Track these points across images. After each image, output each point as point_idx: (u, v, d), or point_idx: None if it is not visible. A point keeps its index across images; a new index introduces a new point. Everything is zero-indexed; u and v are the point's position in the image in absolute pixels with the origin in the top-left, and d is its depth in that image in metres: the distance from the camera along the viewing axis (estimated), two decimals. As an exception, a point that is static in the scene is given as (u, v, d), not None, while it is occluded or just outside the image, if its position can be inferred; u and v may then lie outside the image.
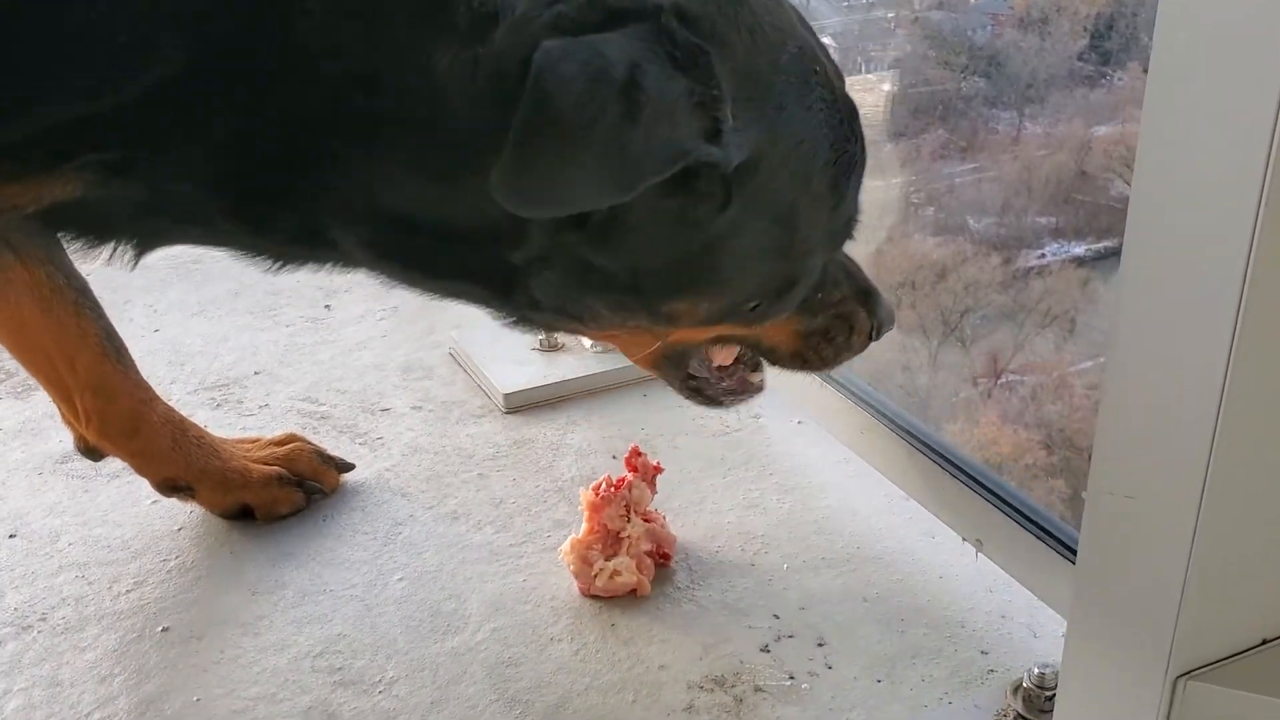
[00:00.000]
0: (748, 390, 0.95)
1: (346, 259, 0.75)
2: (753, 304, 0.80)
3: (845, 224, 0.82)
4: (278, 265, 0.77)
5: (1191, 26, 0.59)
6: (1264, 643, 0.73)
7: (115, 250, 0.78)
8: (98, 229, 0.76)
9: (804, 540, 1.12)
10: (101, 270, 1.76)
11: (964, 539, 0.99)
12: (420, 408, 1.37)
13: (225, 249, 0.77)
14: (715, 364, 0.93)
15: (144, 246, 0.79)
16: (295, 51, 0.63)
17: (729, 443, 1.30)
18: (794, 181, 0.73)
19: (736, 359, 0.93)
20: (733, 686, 0.94)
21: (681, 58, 0.62)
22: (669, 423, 1.33)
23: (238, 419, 1.36)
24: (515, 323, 0.81)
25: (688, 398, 0.94)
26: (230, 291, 1.68)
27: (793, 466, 1.25)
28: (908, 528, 1.13)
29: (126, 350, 1.10)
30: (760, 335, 0.88)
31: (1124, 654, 0.73)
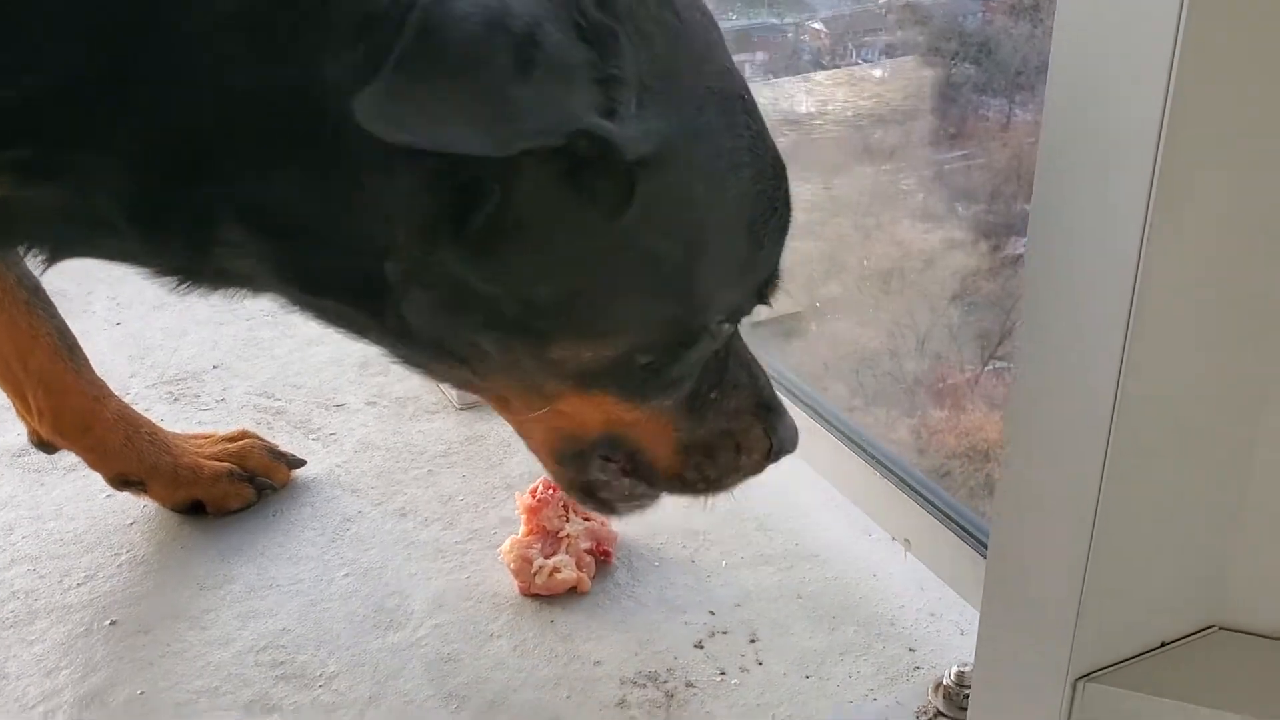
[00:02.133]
0: (645, 499, 0.87)
1: (246, 280, 0.72)
2: (645, 358, 0.73)
3: (759, 283, 0.75)
4: (186, 285, 0.73)
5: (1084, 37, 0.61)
6: (1162, 645, 0.76)
7: (27, 253, 0.77)
8: (11, 231, 0.73)
9: (744, 537, 1.15)
10: (65, 264, 1.77)
11: (894, 538, 1.01)
12: (375, 403, 1.39)
13: (138, 266, 0.74)
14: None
15: (56, 254, 0.78)
16: (181, 53, 0.62)
17: (678, 440, 1.32)
18: (706, 196, 0.67)
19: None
20: (664, 682, 0.97)
21: (588, 30, 0.59)
22: (620, 420, 1.35)
23: (194, 413, 1.38)
24: (404, 363, 0.77)
25: (580, 500, 0.87)
26: (193, 285, 1.69)
27: (738, 464, 1.27)
28: (846, 526, 1.15)
29: (79, 348, 1.11)
30: (642, 439, 0.80)
31: (1028, 655, 0.76)
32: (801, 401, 1.13)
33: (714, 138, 0.67)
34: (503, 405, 0.81)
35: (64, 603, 1.07)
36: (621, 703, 0.95)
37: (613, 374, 0.73)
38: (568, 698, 0.95)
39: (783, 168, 0.72)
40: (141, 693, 0.97)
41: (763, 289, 0.76)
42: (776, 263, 0.75)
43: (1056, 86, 0.64)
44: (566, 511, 1.09)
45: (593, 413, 0.78)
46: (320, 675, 0.99)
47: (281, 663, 1.00)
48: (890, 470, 1.01)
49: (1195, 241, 0.62)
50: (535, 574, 1.05)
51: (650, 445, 0.81)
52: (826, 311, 1.63)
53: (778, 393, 0.84)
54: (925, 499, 0.98)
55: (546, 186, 0.62)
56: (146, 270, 0.73)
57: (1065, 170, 0.65)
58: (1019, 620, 0.76)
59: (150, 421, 1.16)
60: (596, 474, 0.83)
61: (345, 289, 0.70)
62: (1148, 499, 0.70)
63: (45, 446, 1.12)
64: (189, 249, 0.70)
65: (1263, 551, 0.74)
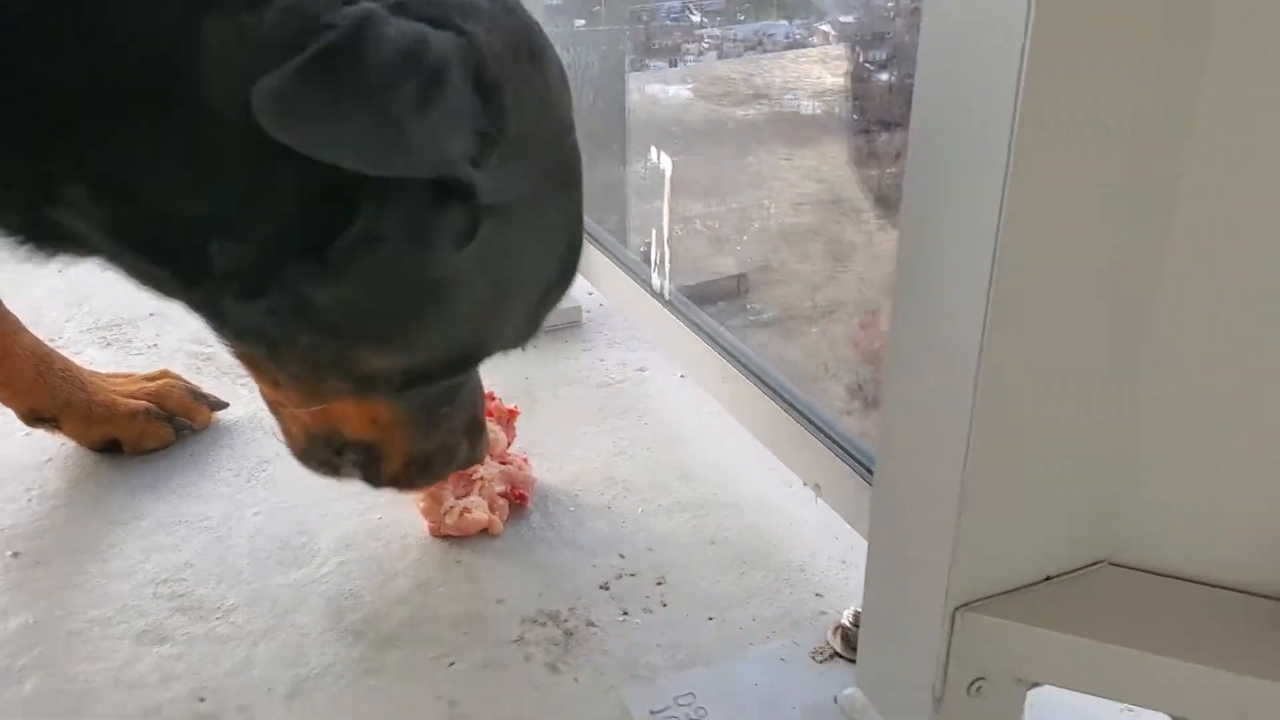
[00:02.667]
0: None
1: (81, 242, 0.72)
2: (427, 374, 0.80)
3: (524, 334, 0.84)
4: (26, 246, 0.73)
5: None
6: (1047, 579, 0.74)
7: None
8: None
9: (664, 486, 1.13)
10: (13, 213, 1.76)
11: (805, 483, 1.00)
12: (307, 352, 1.37)
13: None
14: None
15: None
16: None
17: (610, 394, 1.30)
18: (526, 254, 0.76)
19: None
20: (565, 621, 0.95)
21: (480, 83, 0.64)
22: (554, 373, 1.34)
23: (125, 357, 1.36)
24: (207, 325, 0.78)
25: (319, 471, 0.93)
26: (139, 237, 1.68)
27: (668, 418, 1.25)
28: (767, 477, 1.13)
29: None
30: (386, 446, 0.88)
31: (909, 584, 0.74)
32: (727, 354, 1.11)
33: (550, 204, 0.76)
34: (274, 390, 0.85)
35: (-32, 535, 1.06)
36: (519, 640, 0.93)
37: (392, 384, 0.80)
38: (465, 634, 0.94)
39: (580, 249, 0.82)
40: (34, 621, 0.95)
41: (525, 338, 0.85)
42: (542, 323, 0.85)
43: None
44: None
45: (357, 417, 0.85)
46: (218, 608, 0.97)
47: (180, 595, 0.98)
48: (801, 414, 1.00)
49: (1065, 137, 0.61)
50: (445, 514, 1.04)
51: (389, 449, 0.88)
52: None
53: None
54: (836, 443, 0.96)
55: (414, 208, 0.66)
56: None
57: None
58: (901, 550, 0.75)
59: (65, 358, 1.15)
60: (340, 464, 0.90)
61: (171, 256, 0.70)
62: (1024, 429, 0.68)
63: (-44, 381, 1.11)
64: (29, 206, 0.70)
65: (1154, 487, 0.73)
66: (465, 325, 0.78)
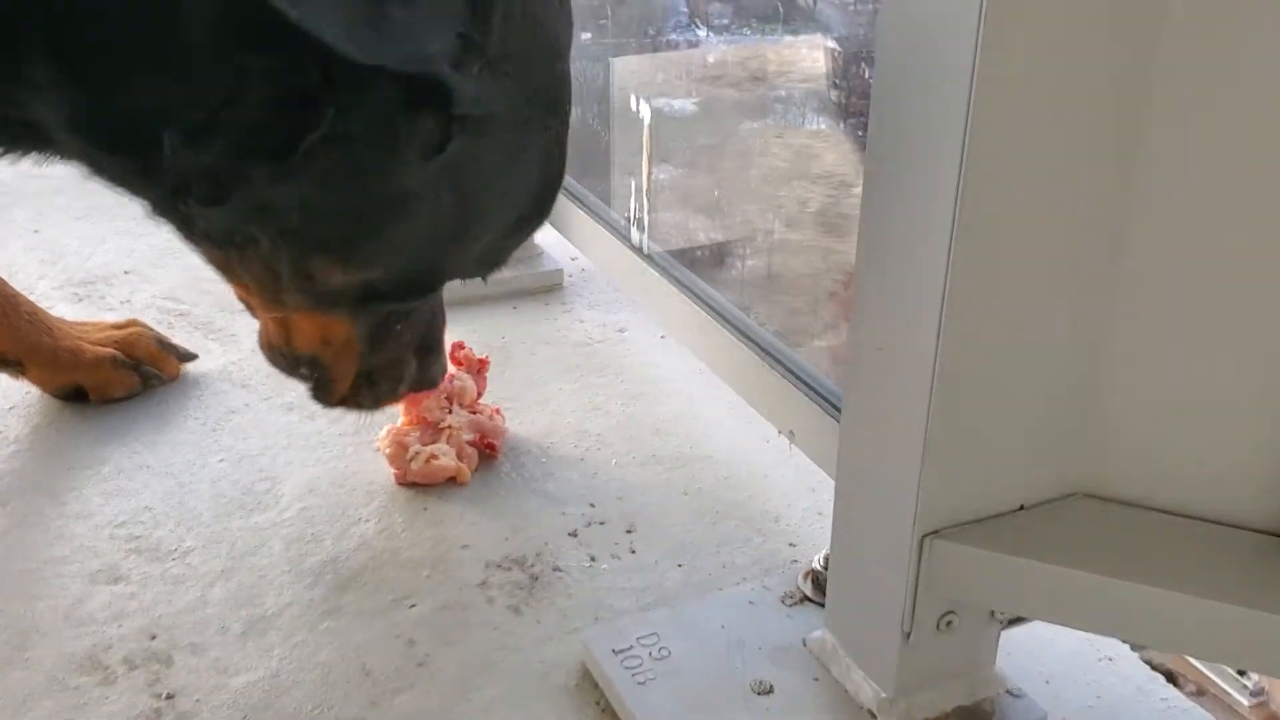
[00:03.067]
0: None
1: (37, 133, 0.69)
2: (383, 291, 0.78)
3: (492, 264, 0.83)
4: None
5: None
6: (1021, 508, 0.72)
7: None
8: None
9: (639, 440, 1.11)
10: (-7, 175, 1.74)
11: (779, 431, 0.97)
12: (282, 308, 1.35)
13: None
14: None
15: None
16: None
17: (588, 353, 1.28)
18: (498, 175, 0.74)
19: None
20: (531, 566, 0.93)
21: None
22: (532, 333, 1.32)
23: (97, 313, 1.34)
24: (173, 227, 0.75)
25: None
26: (119, 200, 1.65)
27: (646, 376, 1.23)
28: (744, 431, 1.11)
29: None
30: (336, 364, 0.86)
31: (877, 512, 0.72)
32: (702, 303, 1.09)
33: (528, 131, 0.73)
34: (245, 291, 0.83)
35: (-76, 478, 1.03)
36: (483, 584, 0.91)
37: (349, 300, 0.78)
38: (427, 577, 0.91)
39: (558, 184, 0.80)
40: (-15, 560, 0.93)
41: (488, 268, 0.83)
42: (509, 254, 0.83)
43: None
44: (450, 403, 1.05)
45: (311, 330, 0.84)
46: (175, 550, 0.95)
47: (137, 537, 0.96)
48: (776, 360, 0.97)
49: (1025, 84, 0.59)
50: (411, 460, 1.01)
51: (339, 370, 0.87)
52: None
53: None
54: (811, 389, 0.93)
55: (383, 111, 0.64)
56: None
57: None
58: (869, 479, 0.72)
59: (31, 302, 1.13)
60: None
61: (135, 150, 0.67)
62: (990, 353, 0.66)
63: (-79, 323, 1.09)
64: None
65: (1126, 418, 0.70)
66: (427, 243, 0.75)
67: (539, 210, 0.81)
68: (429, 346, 0.91)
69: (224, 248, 0.74)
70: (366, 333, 0.84)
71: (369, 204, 0.70)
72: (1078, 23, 0.58)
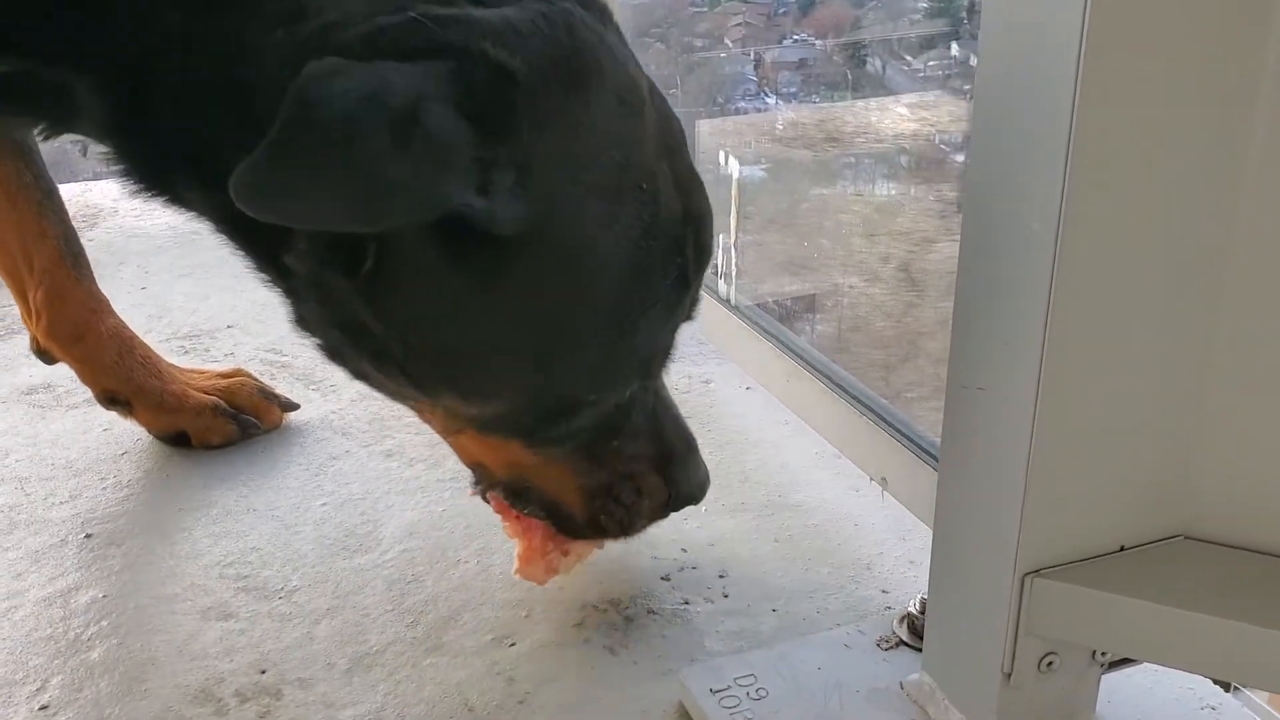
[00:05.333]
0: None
1: (198, 212, 0.74)
2: (527, 419, 0.75)
3: (638, 363, 0.76)
4: (151, 192, 0.74)
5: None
6: (1122, 549, 0.72)
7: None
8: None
9: (728, 488, 1.12)
10: (102, 237, 1.83)
11: (871, 478, 0.98)
12: (378, 360, 1.39)
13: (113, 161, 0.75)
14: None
15: (54, 129, 0.81)
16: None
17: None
18: (572, 287, 0.69)
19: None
20: (626, 608, 0.94)
21: (473, 105, 0.59)
22: (620, 385, 1.34)
23: (201, 364, 1.39)
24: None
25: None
26: (220, 258, 1.70)
27: (733, 426, 1.24)
28: (833, 481, 1.12)
29: (85, 259, 1.14)
30: (545, 485, 0.83)
31: (977, 553, 0.73)
32: (788, 349, 1.11)
33: (590, 232, 0.68)
34: (421, 413, 0.84)
35: (44, 517, 1.08)
36: (580, 624, 0.93)
37: (503, 426, 0.77)
38: (525, 617, 0.93)
39: (678, 259, 0.72)
40: (104, 595, 0.97)
41: (648, 367, 0.78)
42: (665, 341, 0.77)
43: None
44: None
45: (493, 454, 0.82)
46: (281, 589, 0.98)
47: (245, 576, 0.99)
48: (867, 408, 0.99)
49: (1123, 133, 0.60)
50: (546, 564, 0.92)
51: (553, 489, 0.83)
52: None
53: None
54: (905, 436, 0.95)
55: (421, 253, 0.64)
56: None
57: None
58: (969, 520, 0.73)
59: (146, 345, 1.18)
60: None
61: (271, 269, 0.73)
62: (1089, 395, 0.67)
63: (44, 355, 1.14)
64: (151, 171, 0.73)
65: (1228, 459, 0.70)
66: (531, 367, 0.72)
67: (654, 299, 0.72)
68: (669, 454, 0.84)
69: (339, 360, 0.76)
70: (562, 459, 0.80)
71: (449, 338, 0.69)
72: (1176, 67, 0.60)
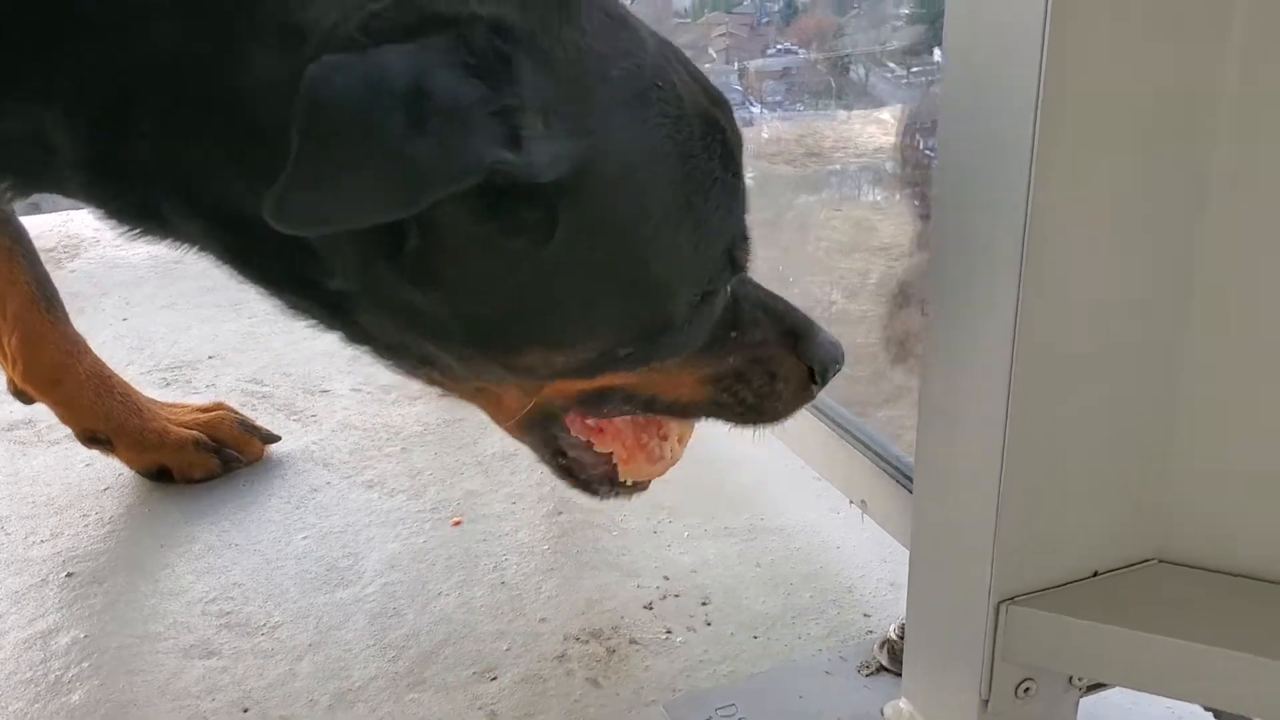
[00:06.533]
0: (621, 488, 0.84)
1: (200, 247, 0.72)
2: (625, 350, 0.72)
3: (723, 253, 0.73)
4: (137, 231, 0.73)
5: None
6: (1095, 574, 0.72)
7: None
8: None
9: (710, 512, 1.12)
10: (84, 267, 1.83)
11: (851, 501, 0.98)
12: (360, 390, 1.39)
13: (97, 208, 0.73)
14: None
15: (22, 186, 0.80)
16: (97, 14, 0.63)
17: (657, 428, 1.30)
18: (630, 202, 0.66)
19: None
20: (608, 639, 0.94)
21: (479, 65, 0.58)
22: (602, 409, 1.34)
23: (183, 397, 1.39)
24: (381, 360, 0.75)
25: (561, 477, 0.84)
26: (202, 288, 1.72)
27: (713, 448, 1.23)
28: (815, 502, 1.12)
29: (59, 301, 1.14)
30: (656, 387, 0.78)
31: (952, 581, 0.73)
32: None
33: (627, 143, 0.66)
34: (477, 398, 0.80)
35: (25, 556, 1.08)
36: (561, 656, 0.92)
37: (598, 366, 0.72)
38: (507, 650, 0.93)
39: (719, 135, 0.70)
40: (85, 635, 0.97)
41: (731, 257, 0.74)
42: (737, 226, 0.74)
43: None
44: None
45: (582, 385, 0.77)
46: (264, 625, 0.98)
47: (228, 613, 0.99)
48: (846, 432, 0.99)
49: (1086, 152, 0.61)
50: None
51: (666, 391, 0.78)
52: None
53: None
54: (881, 458, 0.95)
55: (466, 223, 0.62)
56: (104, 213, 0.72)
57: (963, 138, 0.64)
58: (944, 547, 0.73)
59: (125, 383, 1.18)
60: (567, 446, 0.82)
61: (300, 289, 0.70)
62: (1061, 421, 0.67)
63: (22, 396, 1.14)
64: (133, 205, 0.71)
65: (1200, 482, 0.71)
66: (618, 297, 0.69)
67: (711, 177, 0.70)
68: (794, 332, 0.80)
69: (420, 364, 0.73)
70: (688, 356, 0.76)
71: (516, 299, 0.67)
72: (1139, 93, 0.60)
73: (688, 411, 0.80)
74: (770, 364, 0.79)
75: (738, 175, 0.73)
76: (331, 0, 0.60)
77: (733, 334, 0.77)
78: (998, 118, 0.62)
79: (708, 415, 0.81)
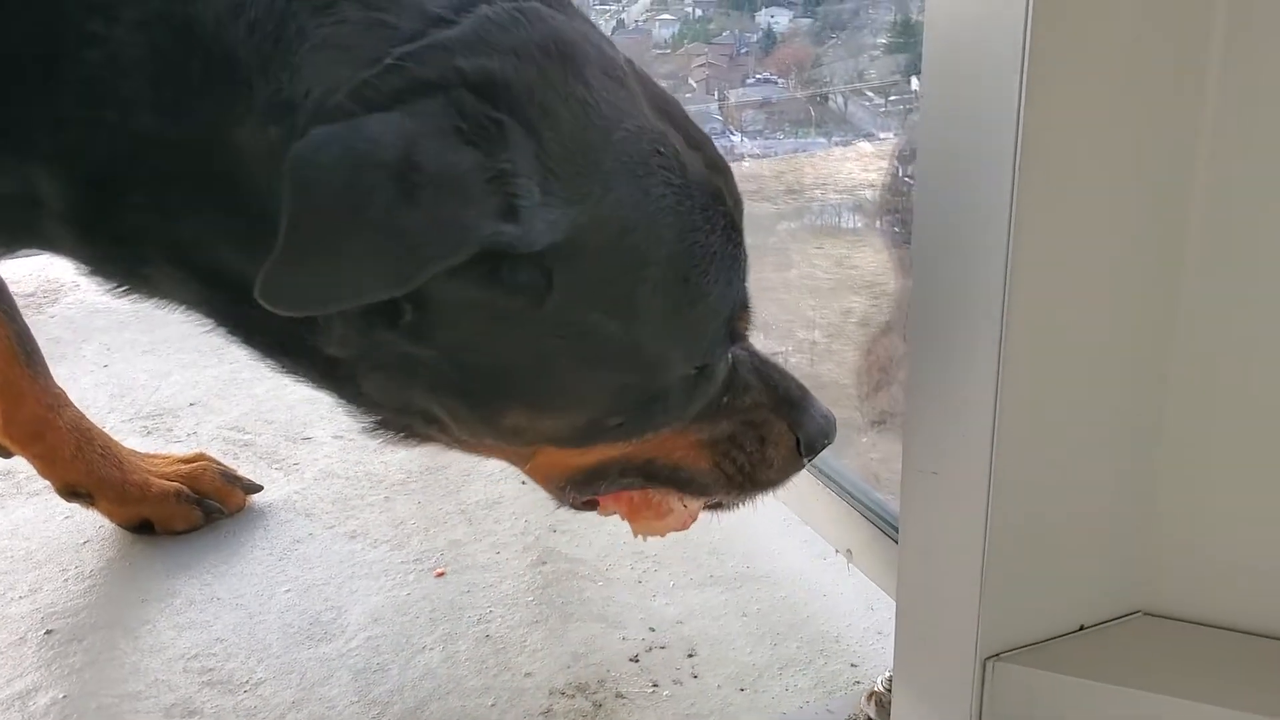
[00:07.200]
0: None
1: (190, 309, 0.72)
2: (615, 420, 0.71)
3: (722, 324, 0.71)
4: (123, 290, 0.73)
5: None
6: (1081, 628, 0.72)
7: None
8: None
9: (695, 560, 1.12)
10: (64, 313, 1.81)
11: (836, 550, 0.98)
12: (341, 437, 1.38)
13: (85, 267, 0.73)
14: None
15: (10, 243, 0.80)
16: (88, 84, 0.63)
17: (642, 473, 1.30)
18: (627, 269, 0.65)
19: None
20: (594, 693, 0.94)
21: (470, 131, 0.57)
22: (586, 454, 1.34)
23: (165, 445, 1.38)
24: (376, 426, 0.75)
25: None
26: (183, 333, 1.69)
27: (700, 495, 1.24)
28: (800, 550, 1.12)
29: (40, 355, 1.13)
30: (650, 450, 0.77)
31: (939, 637, 0.73)
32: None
33: (627, 211, 0.64)
34: (494, 454, 0.79)
35: (3, 613, 1.07)
36: (547, 712, 0.92)
37: (588, 435, 0.72)
38: (492, 705, 0.93)
39: (718, 203, 0.69)
40: (65, 696, 0.96)
41: (730, 328, 0.73)
42: (737, 298, 0.72)
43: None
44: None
45: (576, 459, 0.77)
46: (246, 682, 0.97)
47: (210, 670, 0.98)
48: (832, 480, 0.99)
49: (1066, 197, 0.62)
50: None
51: (665, 456, 0.78)
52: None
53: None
54: (866, 508, 0.95)
55: (459, 292, 0.61)
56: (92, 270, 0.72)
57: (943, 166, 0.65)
58: (930, 603, 0.74)
59: (106, 435, 1.17)
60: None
61: (296, 356, 0.70)
62: (1042, 477, 0.68)
63: (1, 450, 1.13)
64: (124, 267, 0.71)
65: (1184, 535, 0.71)
66: (611, 364, 0.68)
67: (710, 252, 0.68)
68: (788, 401, 0.79)
69: (423, 424, 0.72)
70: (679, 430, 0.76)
71: (509, 361, 0.66)
72: (1118, 123, 0.61)
73: (689, 484, 0.80)
74: (763, 429, 0.78)
75: (739, 245, 0.72)
76: (322, 70, 0.60)
77: (725, 399, 0.76)
78: (977, 152, 0.63)
79: (706, 488, 0.81)
